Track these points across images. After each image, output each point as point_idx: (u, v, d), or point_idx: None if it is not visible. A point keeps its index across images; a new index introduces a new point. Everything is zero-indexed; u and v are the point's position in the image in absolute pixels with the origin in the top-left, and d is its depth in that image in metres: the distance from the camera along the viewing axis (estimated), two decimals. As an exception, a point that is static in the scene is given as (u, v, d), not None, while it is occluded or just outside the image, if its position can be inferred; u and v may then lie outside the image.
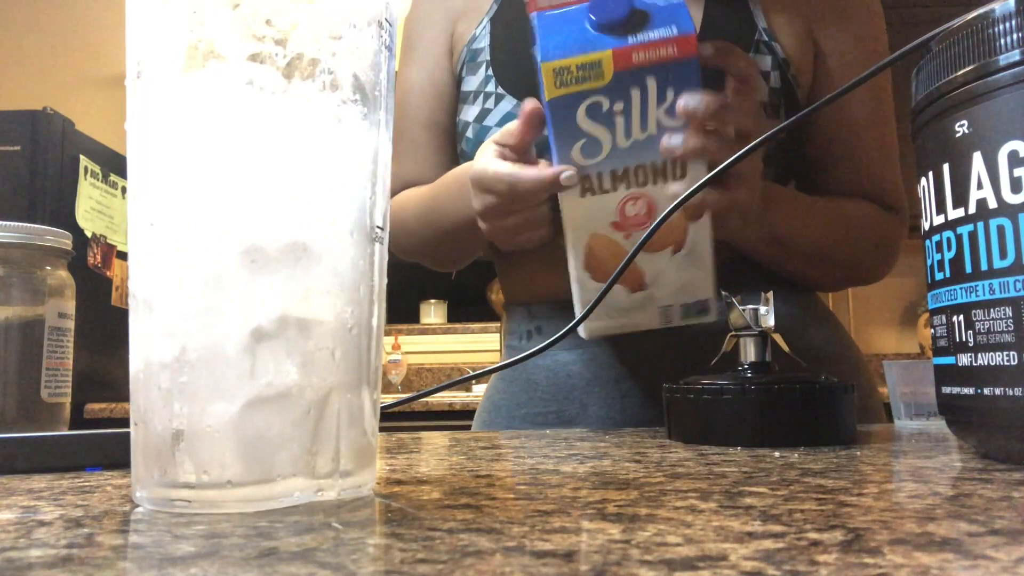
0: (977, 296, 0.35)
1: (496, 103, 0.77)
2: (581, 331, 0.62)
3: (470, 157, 0.76)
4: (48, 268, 0.60)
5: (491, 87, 0.78)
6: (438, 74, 0.84)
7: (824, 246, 0.73)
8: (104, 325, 2.12)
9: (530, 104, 0.57)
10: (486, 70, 0.78)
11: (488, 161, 0.61)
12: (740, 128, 0.56)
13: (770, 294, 0.52)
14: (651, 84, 0.53)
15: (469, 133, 0.78)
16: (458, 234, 0.77)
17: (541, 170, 0.57)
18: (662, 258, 0.58)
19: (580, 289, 0.60)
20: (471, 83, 0.80)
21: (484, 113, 0.77)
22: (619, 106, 0.54)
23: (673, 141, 0.54)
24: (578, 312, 0.61)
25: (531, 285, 0.79)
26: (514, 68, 0.77)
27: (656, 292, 0.59)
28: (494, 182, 0.60)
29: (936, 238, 0.38)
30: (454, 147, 0.83)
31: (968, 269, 0.35)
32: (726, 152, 0.53)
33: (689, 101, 0.53)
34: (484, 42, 0.80)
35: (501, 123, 0.75)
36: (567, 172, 0.55)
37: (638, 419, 0.72)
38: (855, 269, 0.78)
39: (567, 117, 0.54)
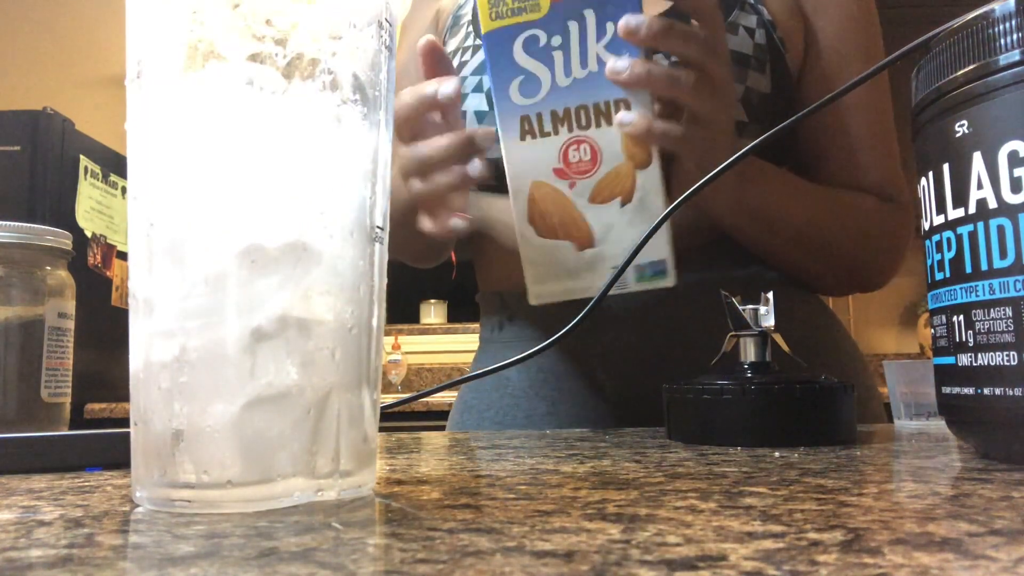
0: (977, 296, 0.35)
1: (472, 54, 0.75)
2: (530, 298, 0.58)
3: None
4: (48, 268, 0.60)
5: (469, 41, 0.77)
6: None
7: (816, 230, 0.70)
8: (104, 325, 2.12)
9: (425, 39, 0.55)
10: (466, 28, 0.78)
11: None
12: (691, 59, 0.52)
13: (770, 294, 0.52)
14: (589, 17, 0.52)
15: None
16: (413, 231, 0.77)
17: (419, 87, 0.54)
18: (610, 211, 0.55)
19: (524, 244, 0.57)
20: (451, 45, 0.79)
21: (460, 67, 0.76)
22: (557, 40, 0.52)
23: (619, 64, 0.51)
24: (527, 274, 0.58)
25: (505, 272, 0.77)
26: None
27: (606, 250, 0.56)
28: (397, 123, 0.56)
29: (936, 238, 0.38)
30: None
31: (968, 269, 0.35)
32: (673, 83, 0.51)
33: (631, 21, 0.50)
34: (468, 6, 0.79)
35: (476, 72, 0.74)
36: (445, 85, 0.53)
37: (612, 419, 0.69)
38: (858, 266, 0.75)
39: (504, 52, 0.53)
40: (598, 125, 0.53)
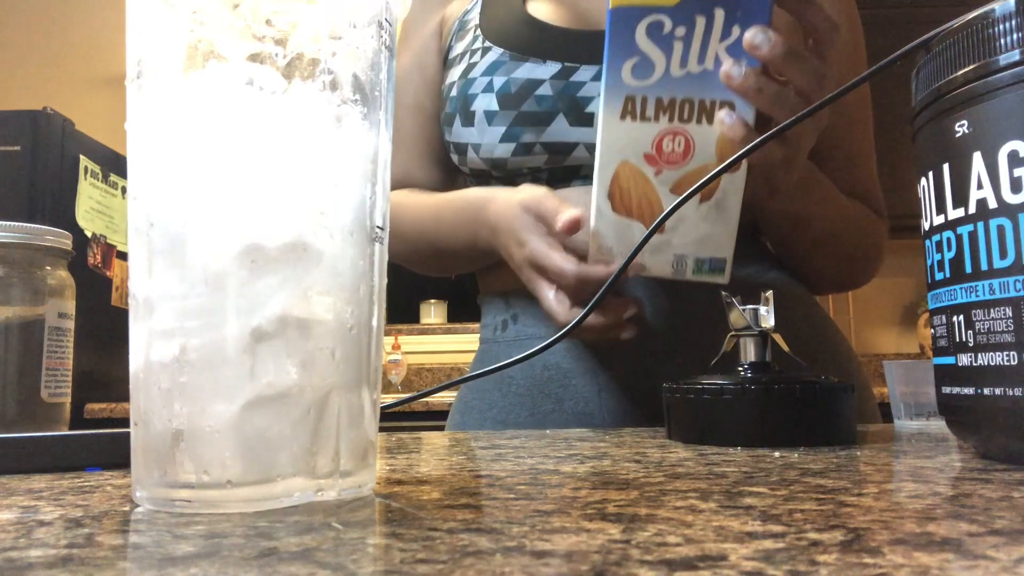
0: (977, 296, 0.35)
1: (482, 56, 0.76)
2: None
3: (453, 119, 0.77)
4: (48, 268, 0.60)
5: (478, 44, 0.78)
6: (426, 57, 0.84)
7: (835, 234, 0.74)
8: (104, 325, 2.12)
9: (575, 214, 0.58)
10: (474, 32, 0.79)
11: (540, 248, 0.62)
12: (801, 87, 0.54)
13: (770, 294, 0.52)
14: (718, 15, 0.52)
15: (453, 92, 0.78)
16: (458, 258, 0.78)
17: (602, 270, 0.58)
18: (688, 204, 0.56)
19: (597, 215, 0.59)
20: (458, 48, 0.80)
21: (469, 68, 0.77)
22: (681, 31, 0.53)
23: (734, 70, 0.53)
24: (591, 244, 0.60)
25: (509, 272, 0.77)
26: (501, 22, 0.77)
27: (674, 238, 0.57)
28: (557, 275, 0.61)
29: (936, 238, 0.38)
30: (439, 136, 0.83)
31: (968, 269, 0.35)
32: (779, 104, 0.53)
33: (757, 36, 0.52)
34: (475, 12, 0.80)
35: (486, 73, 0.75)
36: (630, 311, 0.57)
37: (616, 416, 0.70)
38: (852, 267, 0.79)
39: (625, 30, 0.53)
40: (699, 121, 0.54)
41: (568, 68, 0.72)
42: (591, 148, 0.69)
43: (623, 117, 0.55)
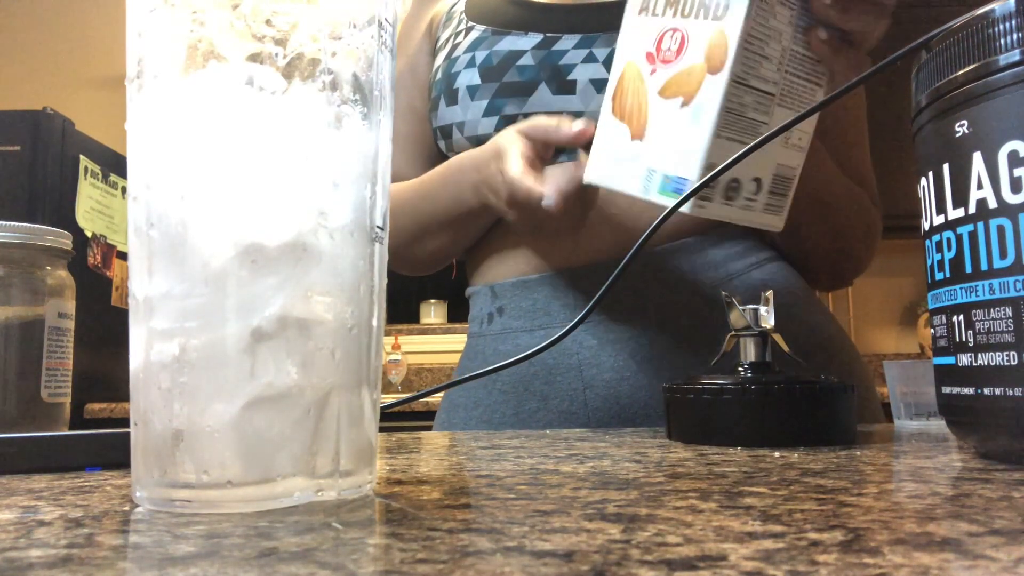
0: (977, 296, 0.35)
1: (465, 35, 0.77)
2: (585, 176, 0.60)
3: (438, 102, 0.77)
4: (48, 268, 0.60)
5: (461, 26, 0.78)
6: (418, 59, 0.85)
7: (833, 195, 0.72)
8: (104, 325, 2.12)
9: (581, 124, 0.61)
10: (458, 17, 0.80)
11: (513, 158, 0.63)
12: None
13: (769, 293, 0.52)
14: None
15: (438, 76, 0.78)
16: (446, 223, 0.77)
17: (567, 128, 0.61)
18: (670, 108, 0.53)
19: (601, 117, 0.58)
20: (444, 35, 0.81)
21: (453, 49, 0.77)
22: None
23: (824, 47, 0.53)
24: (591, 149, 0.59)
25: (497, 264, 0.78)
26: (484, 4, 0.79)
27: (648, 148, 0.55)
28: (514, 188, 0.62)
29: (936, 238, 0.38)
30: (431, 137, 0.83)
31: (968, 269, 0.35)
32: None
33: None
34: (461, 4, 0.82)
35: (469, 50, 0.75)
36: (549, 199, 0.59)
37: (601, 416, 0.69)
38: (847, 252, 0.77)
39: None
40: (696, 16, 0.52)
41: (550, 38, 0.73)
42: (575, 117, 0.69)
43: (640, 12, 0.55)
